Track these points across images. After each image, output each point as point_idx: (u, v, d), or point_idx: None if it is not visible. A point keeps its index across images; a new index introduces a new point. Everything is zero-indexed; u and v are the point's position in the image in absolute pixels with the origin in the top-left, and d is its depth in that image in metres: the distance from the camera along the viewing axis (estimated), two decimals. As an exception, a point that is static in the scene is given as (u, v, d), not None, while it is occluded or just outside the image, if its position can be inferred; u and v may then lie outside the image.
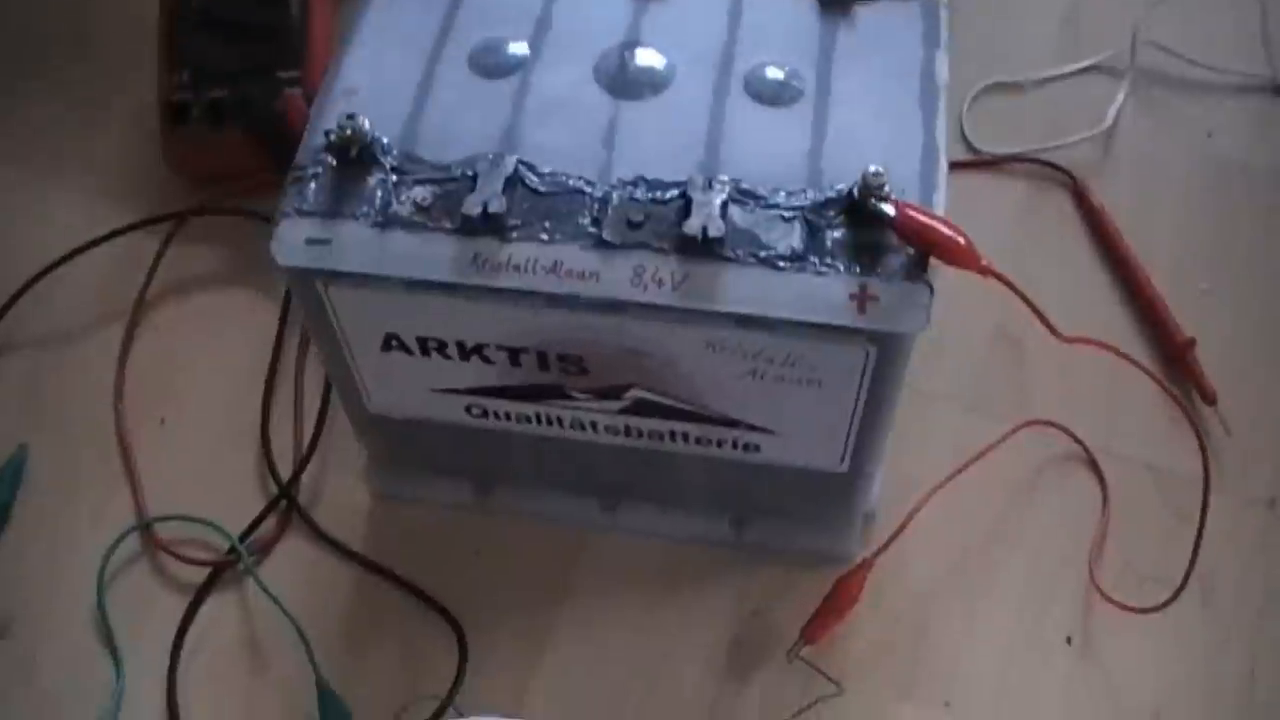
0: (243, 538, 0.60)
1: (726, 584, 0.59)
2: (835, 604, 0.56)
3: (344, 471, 0.62)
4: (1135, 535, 0.60)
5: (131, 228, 0.69)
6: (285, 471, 0.62)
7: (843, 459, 0.53)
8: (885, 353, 0.46)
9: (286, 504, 0.61)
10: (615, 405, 0.51)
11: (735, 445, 0.53)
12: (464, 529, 0.61)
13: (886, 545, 0.57)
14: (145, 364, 0.67)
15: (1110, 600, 0.57)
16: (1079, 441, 0.62)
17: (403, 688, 0.56)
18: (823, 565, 0.58)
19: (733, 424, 0.51)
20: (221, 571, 0.60)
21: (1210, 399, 0.62)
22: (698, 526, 0.59)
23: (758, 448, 0.53)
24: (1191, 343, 0.63)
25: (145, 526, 0.61)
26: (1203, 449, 0.56)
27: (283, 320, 0.67)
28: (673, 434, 0.53)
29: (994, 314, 0.65)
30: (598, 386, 0.50)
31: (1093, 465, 0.61)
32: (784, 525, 0.59)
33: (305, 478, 0.62)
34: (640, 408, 0.51)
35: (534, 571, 0.59)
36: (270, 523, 0.61)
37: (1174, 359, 0.64)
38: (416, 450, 0.58)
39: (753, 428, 0.51)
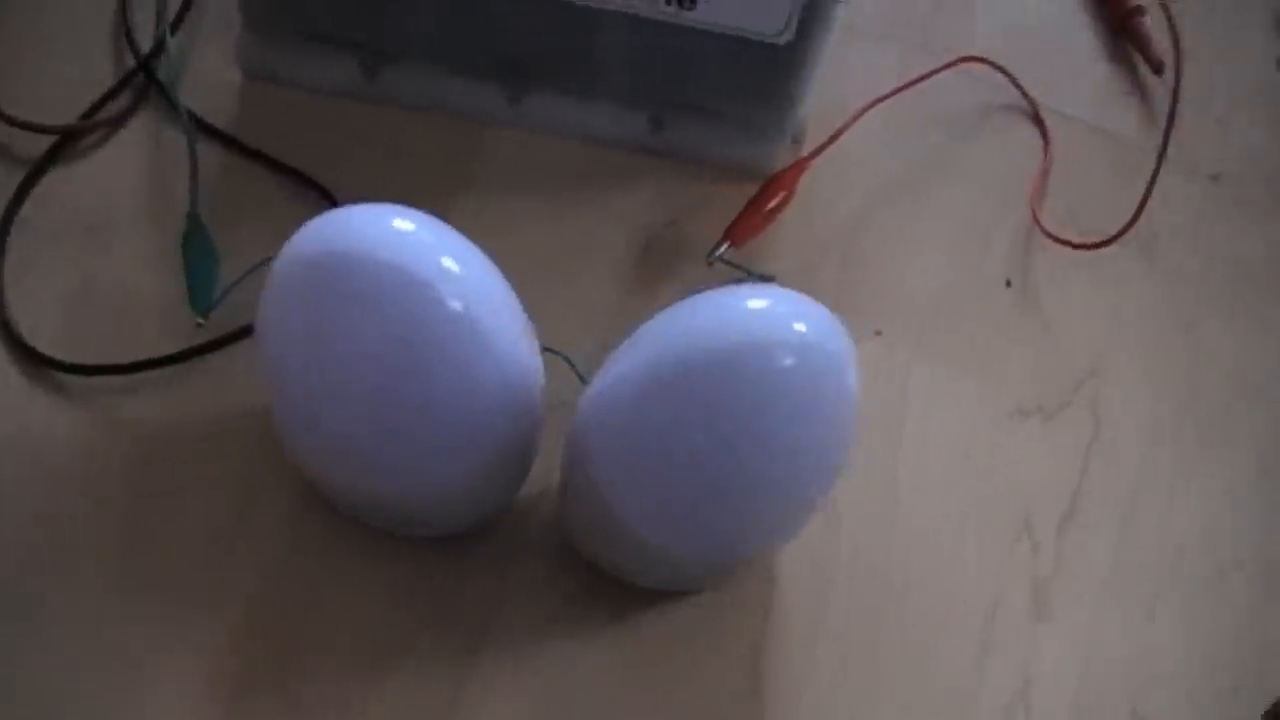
0: (91, 111, 0.52)
1: (640, 189, 0.53)
2: (764, 202, 0.51)
3: (214, 48, 0.54)
4: (1076, 189, 0.56)
5: None
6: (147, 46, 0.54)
7: (787, 21, 0.47)
8: None
9: (144, 77, 0.53)
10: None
11: (669, -2, 0.47)
12: (347, 115, 0.53)
13: (825, 146, 0.52)
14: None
15: (1052, 236, 0.53)
16: (1021, 89, 0.57)
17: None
18: (745, 179, 0.53)
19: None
20: (69, 140, 0.52)
21: (1157, 68, 0.59)
22: (613, 123, 0.53)
23: (693, 2, 0.47)
24: (1140, 9, 0.60)
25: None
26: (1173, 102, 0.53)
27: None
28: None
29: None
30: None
31: (1035, 118, 0.57)
32: (707, 129, 0.53)
33: (170, 54, 0.54)
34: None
35: (427, 165, 0.53)
36: (124, 98, 0.53)
37: (1122, 25, 0.60)
38: (295, 5, 0.51)
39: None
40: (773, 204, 0.50)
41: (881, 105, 0.54)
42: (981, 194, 0.55)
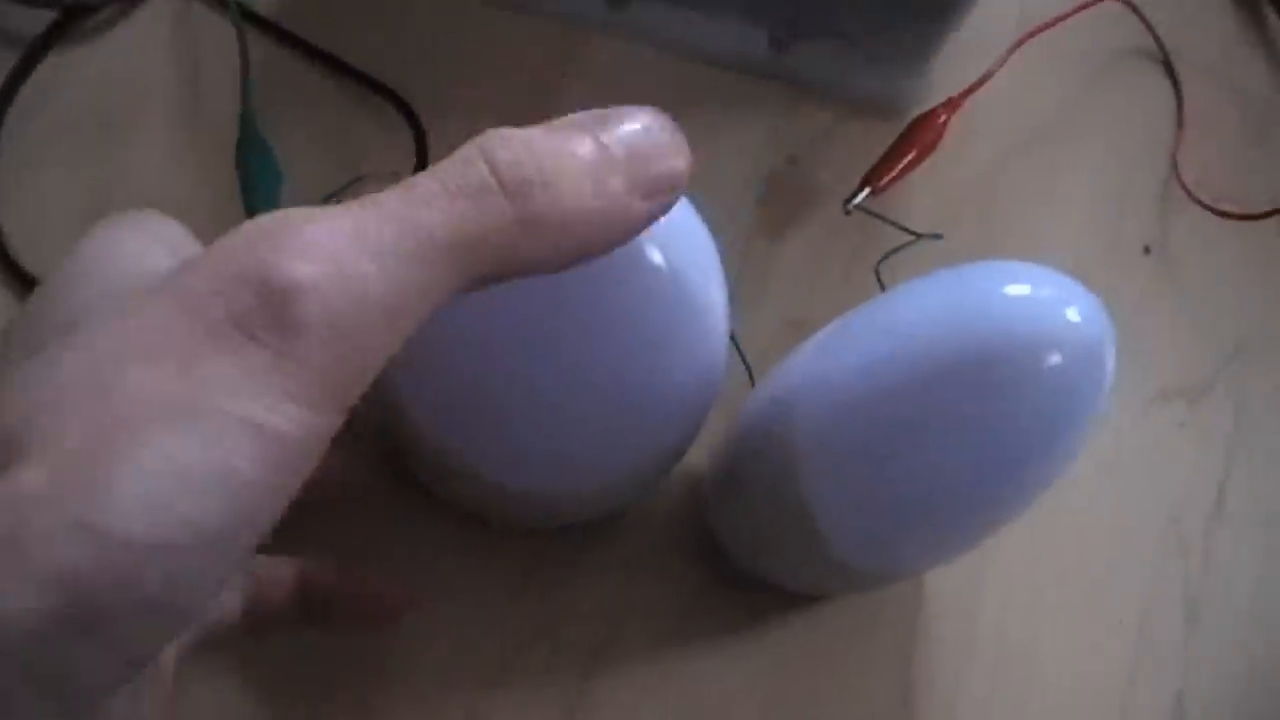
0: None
1: (755, 120, 0.46)
2: (910, 145, 0.44)
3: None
4: (1209, 149, 0.51)
5: None
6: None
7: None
8: None
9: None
10: None
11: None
12: (414, 8, 0.45)
13: (977, 85, 0.45)
14: None
15: (1204, 204, 0.48)
16: (1156, 36, 0.52)
17: (340, 170, 0.41)
18: (872, 116, 0.46)
19: None
20: (73, 19, 0.42)
21: (1288, 19, 0.54)
22: (728, 40, 0.45)
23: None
24: (1271, -46, 0.55)
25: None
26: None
27: None
28: None
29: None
30: None
31: (1167, 67, 0.51)
32: (838, 55, 0.45)
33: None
34: None
35: (509, 74, 0.44)
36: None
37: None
38: None
39: None
40: (919, 149, 0.44)
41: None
42: (1118, 148, 0.49)
